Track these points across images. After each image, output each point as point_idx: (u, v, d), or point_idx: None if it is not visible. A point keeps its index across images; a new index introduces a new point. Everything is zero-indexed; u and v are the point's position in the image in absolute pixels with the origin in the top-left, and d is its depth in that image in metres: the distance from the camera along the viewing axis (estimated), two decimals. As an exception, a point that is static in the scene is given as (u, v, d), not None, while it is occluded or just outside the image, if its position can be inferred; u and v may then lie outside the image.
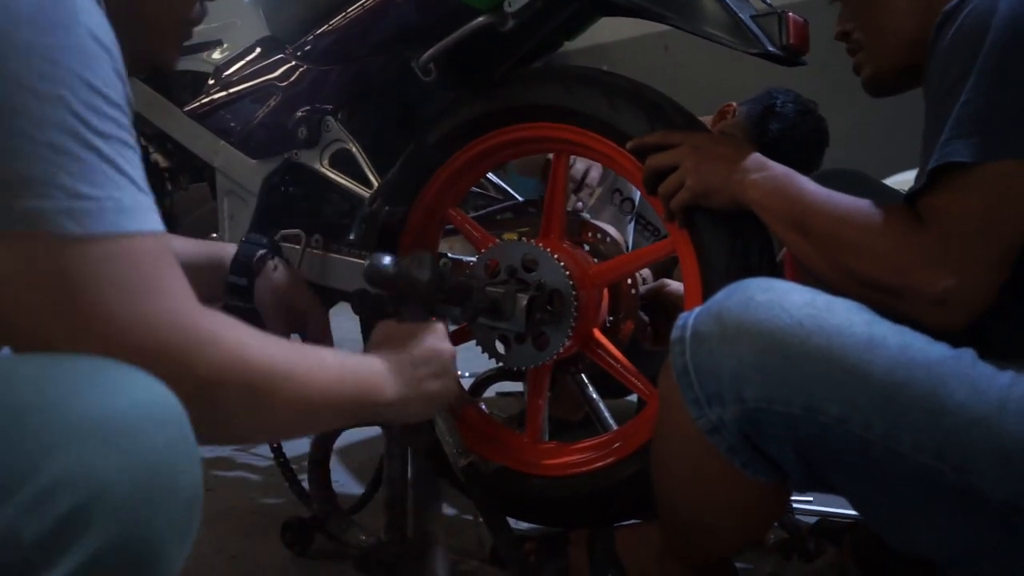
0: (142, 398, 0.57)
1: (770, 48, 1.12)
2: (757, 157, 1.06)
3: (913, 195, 0.91)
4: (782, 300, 0.86)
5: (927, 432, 0.80)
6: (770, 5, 1.26)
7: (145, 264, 0.61)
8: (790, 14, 1.14)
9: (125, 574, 0.54)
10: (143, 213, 0.61)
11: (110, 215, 0.59)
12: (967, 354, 0.84)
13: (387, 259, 1.02)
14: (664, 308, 1.46)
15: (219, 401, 0.65)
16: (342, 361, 0.83)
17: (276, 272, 1.23)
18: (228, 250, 1.23)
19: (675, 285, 1.43)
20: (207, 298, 1.41)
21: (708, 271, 1.17)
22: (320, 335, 1.24)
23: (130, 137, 0.62)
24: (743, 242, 1.15)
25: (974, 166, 0.85)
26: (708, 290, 1.17)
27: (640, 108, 1.20)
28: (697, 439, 0.90)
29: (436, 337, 1.00)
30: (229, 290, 1.22)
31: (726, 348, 0.86)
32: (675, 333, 0.91)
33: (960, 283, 0.84)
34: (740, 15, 1.12)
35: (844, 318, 0.84)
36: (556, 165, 1.35)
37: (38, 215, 0.56)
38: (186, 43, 1.53)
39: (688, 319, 0.91)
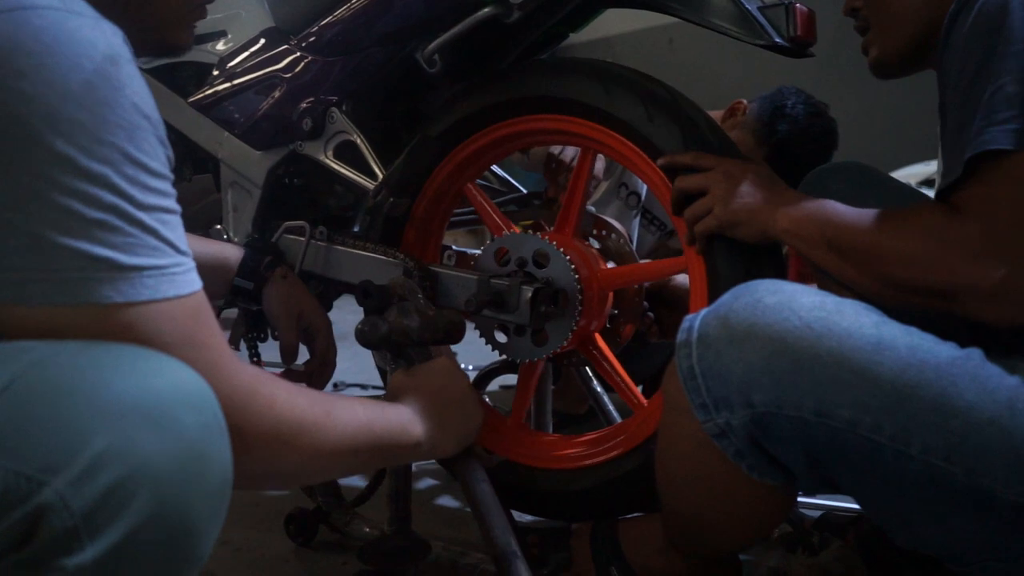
0: (178, 382, 0.60)
1: (777, 40, 1.12)
2: (787, 191, 1.05)
3: (949, 188, 0.88)
4: (791, 303, 0.84)
5: (937, 434, 0.79)
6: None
7: (184, 321, 0.65)
8: (797, 5, 1.14)
9: (164, 547, 0.57)
10: (182, 275, 0.65)
11: (150, 282, 0.63)
12: (975, 354, 0.83)
13: (376, 321, 1.07)
14: (669, 302, 1.46)
15: (250, 451, 0.69)
16: (371, 408, 0.88)
17: (285, 280, 1.26)
18: (232, 251, 1.26)
19: (681, 278, 1.42)
20: (211, 295, 1.44)
21: (718, 296, 1.16)
22: (325, 345, 1.28)
23: (172, 202, 0.66)
24: (757, 275, 1.14)
25: (1015, 152, 0.82)
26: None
27: (676, 123, 1.18)
28: (703, 442, 0.89)
29: (448, 370, 1.05)
30: (234, 292, 1.25)
31: (734, 352, 0.84)
32: (681, 336, 0.90)
33: (1012, 273, 0.81)
34: (747, 6, 1.12)
35: (853, 320, 0.83)
36: (582, 161, 1.33)
37: (83, 289, 0.60)
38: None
39: (694, 322, 0.90)
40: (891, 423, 0.80)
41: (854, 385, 0.80)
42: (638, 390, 1.33)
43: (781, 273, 1.12)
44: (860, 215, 0.95)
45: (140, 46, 0.84)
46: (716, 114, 2.05)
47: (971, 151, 0.84)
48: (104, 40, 0.63)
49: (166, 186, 0.65)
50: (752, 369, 0.83)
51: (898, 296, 0.90)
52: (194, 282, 0.67)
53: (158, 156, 0.65)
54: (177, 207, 0.67)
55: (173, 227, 0.65)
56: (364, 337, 1.07)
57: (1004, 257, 0.82)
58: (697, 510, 0.99)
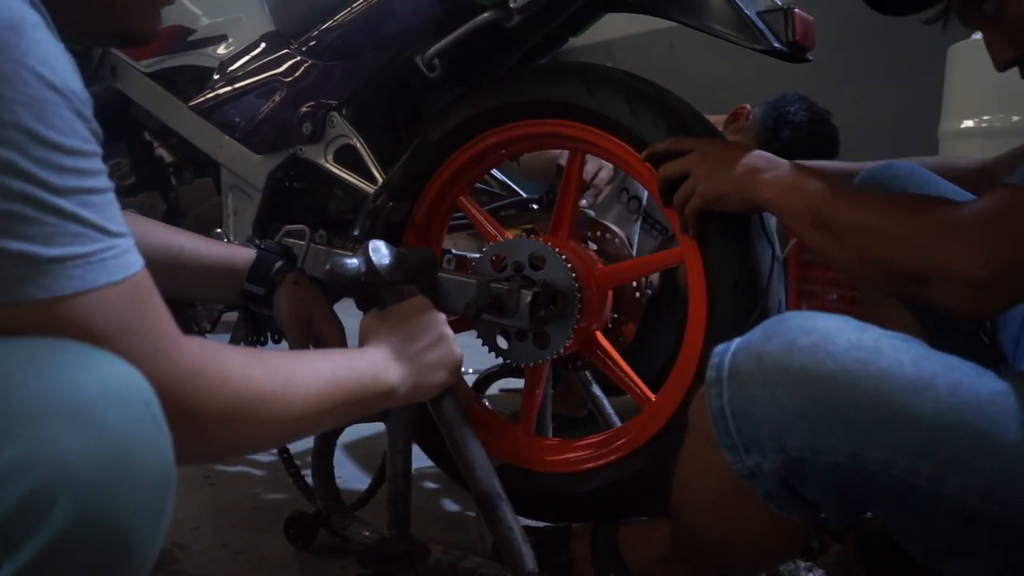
0: (106, 378, 0.57)
1: (776, 45, 1.12)
2: (766, 156, 1.06)
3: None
4: (826, 344, 0.81)
5: (976, 474, 0.77)
6: (776, 2, 1.26)
7: (120, 308, 0.61)
8: (796, 10, 1.14)
9: (96, 554, 0.54)
10: (112, 260, 0.61)
11: (77, 272, 0.58)
12: (1016, 389, 0.81)
13: (346, 261, 1.03)
14: None
15: (205, 431, 0.66)
16: (336, 362, 0.84)
17: (297, 286, 1.21)
18: (242, 254, 1.22)
19: None
20: (219, 300, 1.41)
21: (715, 285, 1.17)
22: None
23: (97, 180, 0.61)
24: (753, 258, 1.14)
25: None
26: (713, 303, 1.17)
27: (660, 115, 1.19)
28: (729, 478, 0.87)
29: (421, 309, 1.01)
30: (245, 296, 1.21)
31: (767, 395, 0.82)
32: (710, 372, 0.87)
33: (994, 275, 0.82)
34: (746, 11, 1.12)
35: (892, 359, 0.80)
36: (571, 163, 1.34)
37: (3, 289, 0.56)
38: (191, 39, 1.56)
39: (724, 358, 0.86)
40: (929, 465, 0.78)
41: (891, 428, 0.78)
42: (645, 386, 1.32)
43: (777, 256, 1.14)
44: (848, 190, 0.96)
45: (105, 35, 0.81)
46: (718, 119, 2.05)
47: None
48: (2, 5, 0.56)
49: (88, 164, 0.60)
50: (786, 414, 0.80)
51: (874, 275, 0.91)
52: (128, 265, 0.62)
53: (75, 132, 0.59)
54: (106, 184, 0.61)
55: (100, 208, 0.60)
56: (334, 278, 1.02)
57: (990, 256, 0.82)
58: (716, 536, 0.96)
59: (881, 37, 2.02)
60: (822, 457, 0.80)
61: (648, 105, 1.20)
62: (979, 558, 0.83)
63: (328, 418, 0.83)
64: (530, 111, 1.30)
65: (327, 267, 1.04)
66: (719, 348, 0.88)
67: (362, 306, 1.07)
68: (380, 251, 1.04)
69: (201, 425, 0.66)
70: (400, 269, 1.04)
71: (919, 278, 0.87)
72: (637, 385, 1.32)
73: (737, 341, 0.87)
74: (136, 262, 0.63)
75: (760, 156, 1.06)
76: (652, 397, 1.29)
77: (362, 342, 0.98)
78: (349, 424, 1.21)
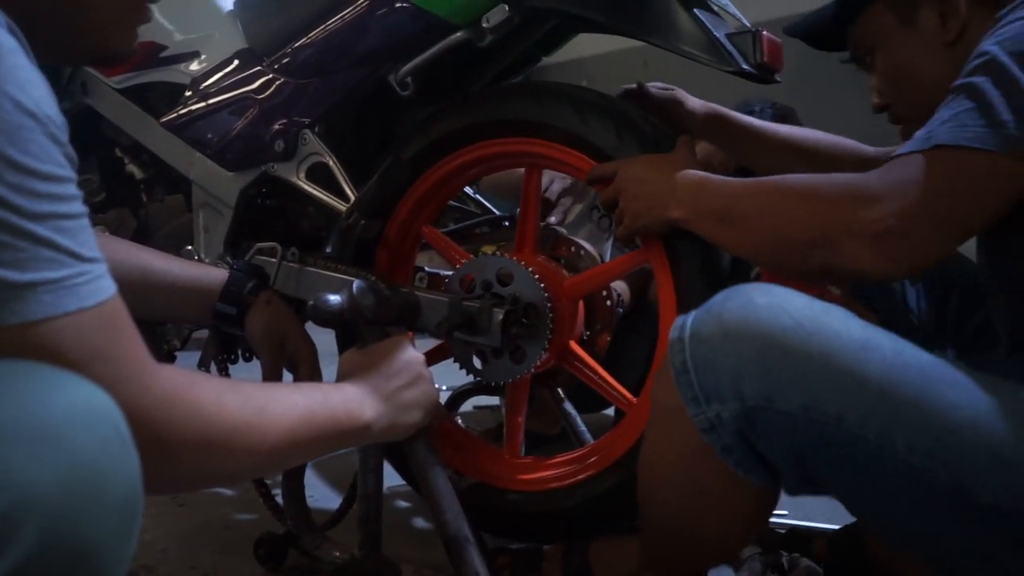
0: (74, 400, 0.56)
1: (744, 66, 1.14)
2: (685, 176, 1.07)
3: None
4: (783, 303, 0.87)
5: (920, 431, 0.81)
6: (745, 24, 1.28)
7: (92, 334, 0.61)
8: (764, 33, 1.16)
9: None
10: (85, 285, 0.61)
11: (49, 297, 0.58)
12: (952, 360, 0.86)
13: (330, 297, 1.04)
14: None
15: (176, 460, 0.66)
16: (311, 396, 0.85)
17: (269, 306, 1.21)
18: (214, 275, 1.21)
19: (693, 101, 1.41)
20: (191, 320, 1.40)
21: (682, 279, 1.18)
22: (310, 371, 1.22)
23: (72, 205, 0.61)
24: (716, 251, 1.16)
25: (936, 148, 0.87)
26: (682, 297, 1.18)
27: (609, 120, 1.21)
28: (691, 439, 0.91)
29: (401, 349, 1.02)
30: (217, 317, 1.20)
31: (727, 346, 0.87)
32: (673, 334, 0.92)
33: (900, 223, 0.85)
34: (715, 33, 1.14)
35: (842, 322, 0.86)
36: (528, 179, 1.35)
37: None
38: (163, 55, 1.56)
39: (686, 320, 0.92)
40: (876, 419, 0.82)
41: (841, 382, 0.83)
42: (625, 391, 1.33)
43: None
44: (751, 182, 1.00)
45: (81, 55, 0.81)
46: None
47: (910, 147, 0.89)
48: None
49: (62, 189, 0.60)
50: (744, 363, 0.85)
51: (788, 256, 0.94)
52: (101, 290, 0.62)
53: (50, 157, 0.59)
54: (80, 209, 0.61)
55: (73, 233, 0.60)
56: (316, 313, 1.03)
57: (894, 208, 0.85)
58: (678, 511, 0.98)
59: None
60: (777, 406, 0.84)
61: (597, 112, 1.22)
62: (932, 530, 0.85)
63: (301, 451, 0.83)
64: (489, 131, 1.31)
65: (310, 301, 1.05)
66: (680, 317, 0.93)
67: (340, 342, 1.08)
68: (363, 290, 1.05)
69: (172, 453, 0.66)
70: (383, 309, 1.06)
71: (828, 242, 0.89)
72: (617, 391, 1.32)
73: (697, 309, 0.92)
74: (108, 287, 0.63)
75: (675, 175, 1.08)
76: (634, 400, 1.29)
77: (340, 378, 0.99)
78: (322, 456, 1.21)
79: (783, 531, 1.40)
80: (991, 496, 0.80)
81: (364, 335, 1.06)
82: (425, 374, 1.03)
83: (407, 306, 1.09)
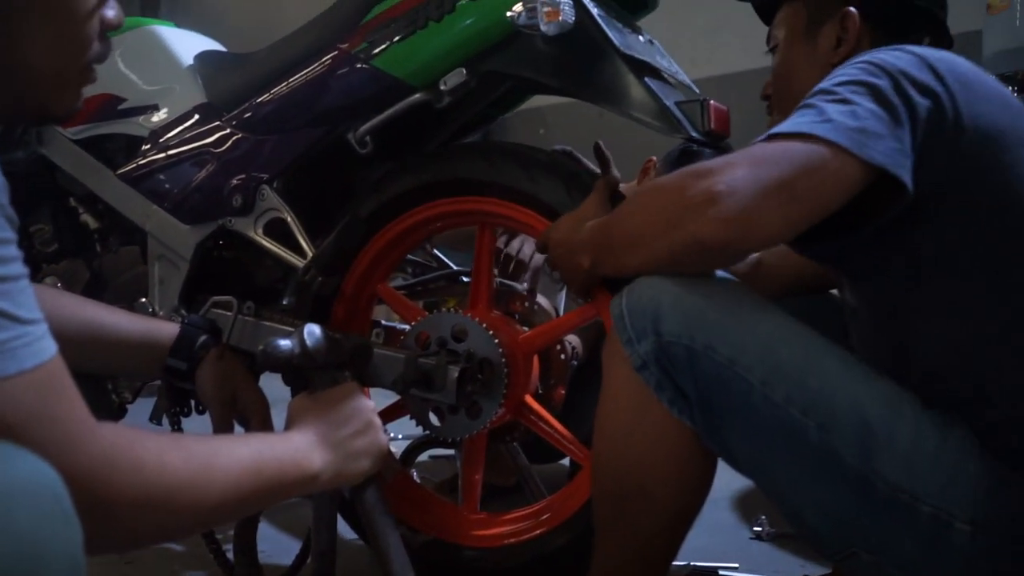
0: (14, 473, 0.56)
1: (693, 134, 1.18)
2: (585, 231, 1.10)
3: None
4: (706, 274, 1.00)
5: (798, 387, 0.91)
6: (695, 91, 1.33)
7: (29, 397, 0.60)
8: (711, 101, 1.20)
9: None
10: (23, 348, 0.60)
11: None
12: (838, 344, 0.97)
13: (280, 342, 1.04)
14: None
15: (119, 520, 0.66)
16: (257, 448, 0.84)
17: (221, 361, 1.20)
18: (165, 329, 1.20)
19: None
20: (142, 375, 1.37)
21: None
22: (261, 426, 1.21)
23: (9, 267, 0.61)
24: None
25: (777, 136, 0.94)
26: None
27: (559, 179, 1.25)
28: (632, 389, 0.98)
29: (351, 396, 1.01)
30: (168, 372, 1.19)
31: (651, 291, 0.97)
32: (614, 300, 1.01)
33: (728, 187, 0.89)
34: (665, 102, 1.18)
35: (747, 289, 1.00)
36: (480, 237, 1.38)
37: None
38: (121, 107, 1.56)
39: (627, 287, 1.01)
40: (761, 367, 0.92)
41: (737, 330, 0.94)
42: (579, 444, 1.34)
43: None
44: (622, 207, 1.05)
45: (24, 113, 0.80)
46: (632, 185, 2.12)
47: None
48: None
49: (1, 251, 0.60)
50: (663, 303, 0.96)
51: (650, 253, 0.97)
52: (40, 352, 0.61)
53: None
54: (19, 271, 0.61)
55: (12, 296, 0.60)
56: (266, 359, 1.03)
57: (729, 180, 0.90)
58: (628, 466, 1.01)
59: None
60: (684, 341, 0.94)
61: (545, 170, 1.26)
62: (812, 498, 0.93)
63: (248, 504, 0.82)
64: (443, 190, 1.33)
65: (260, 347, 1.05)
66: None
67: (293, 388, 1.07)
68: (314, 335, 1.05)
69: (115, 514, 0.65)
70: (333, 354, 1.05)
71: (675, 222, 0.93)
72: (574, 444, 1.34)
73: None
74: (48, 349, 0.63)
75: (580, 228, 1.10)
76: (590, 453, 1.30)
77: (289, 425, 0.98)
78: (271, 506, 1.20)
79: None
80: (856, 461, 0.89)
81: (314, 381, 1.05)
82: (375, 421, 1.03)
83: (358, 350, 1.09)
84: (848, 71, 0.97)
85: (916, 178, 0.92)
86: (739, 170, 0.90)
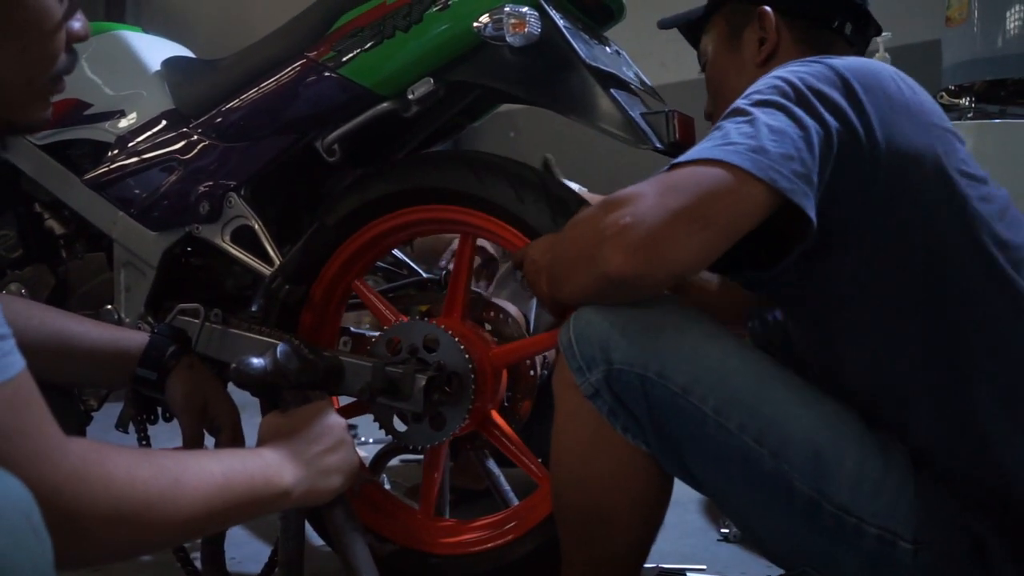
0: None
1: (658, 145, 1.19)
2: (546, 256, 1.09)
3: None
4: (654, 297, 0.99)
5: (750, 415, 0.92)
6: (662, 101, 1.34)
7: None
8: (676, 112, 1.22)
9: None
10: None
11: None
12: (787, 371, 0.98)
13: (253, 360, 1.04)
14: None
15: (88, 535, 0.66)
16: (228, 464, 0.84)
17: (191, 371, 1.19)
18: (135, 339, 1.19)
19: None
20: (110, 385, 1.36)
21: None
22: (232, 436, 1.21)
23: None
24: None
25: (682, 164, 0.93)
26: None
27: (544, 200, 1.25)
28: (585, 417, 0.98)
29: (323, 414, 1.02)
30: (137, 381, 1.19)
31: (599, 318, 0.96)
32: (561, 330, 1.00)
33: (636, 218, 0.88)
34: (631, 113, 1.19)
35: (696, 314, 0.99)
36: (462, 247, 1.38)
37: None
38: (87, 113, 1.55)
39: (573, 314, 1.00)
40: (714, 397, 0.92)
41: (690, 356, 0.94)
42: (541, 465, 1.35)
43: None
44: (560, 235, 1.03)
45: None
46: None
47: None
48: None
49: None
50: (612, 330, 0.95)
51: (566, 286, 0.98)
52: (8, 367, 0.62)
53: None
54: None
55: None
56: (239, 377, 1.04)
57: (634, 205, 0.89)
58: (587, 494, 1.01)
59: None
60: (636, 370, 0.94)
61: (532, 190, 1.26)
62: (765, 520, 0.95)
63: (218, 520, 0.82)
64: (421, 197, 1.33)
65: (232, 364, 1.05)
66: None
67: (262, 404, 1.07)
68: (288, 354, 1.05)
69: (84, 529, 0.65)
70: (306, 373, 1.05)
71: (588, 255, 0.92)
72: (532, 463, 1.35)
73: None
74: (15, 364, 0.63)
75: (535, 258, 1.09)
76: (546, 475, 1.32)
77: (261, 442, 0.98)
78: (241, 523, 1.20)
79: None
80: (809, 489, 0.90)
81: (286, 398, 1.06)
82: (347, 439, 1.03)
83: (331, 371, 1.10)
84: (761, 87, 0.97)
85: (824, 205, 0.91)
86: (646, 200, 0.89)
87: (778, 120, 0.91)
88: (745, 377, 0.93)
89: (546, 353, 1.73)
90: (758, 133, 0.90)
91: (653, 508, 1.03)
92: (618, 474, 0.99)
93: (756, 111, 0.93)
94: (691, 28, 1.31)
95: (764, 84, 0.97)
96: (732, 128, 0.92)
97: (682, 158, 0.93)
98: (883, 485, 0.90)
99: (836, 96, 0.93)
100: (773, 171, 0.87)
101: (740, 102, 0.96)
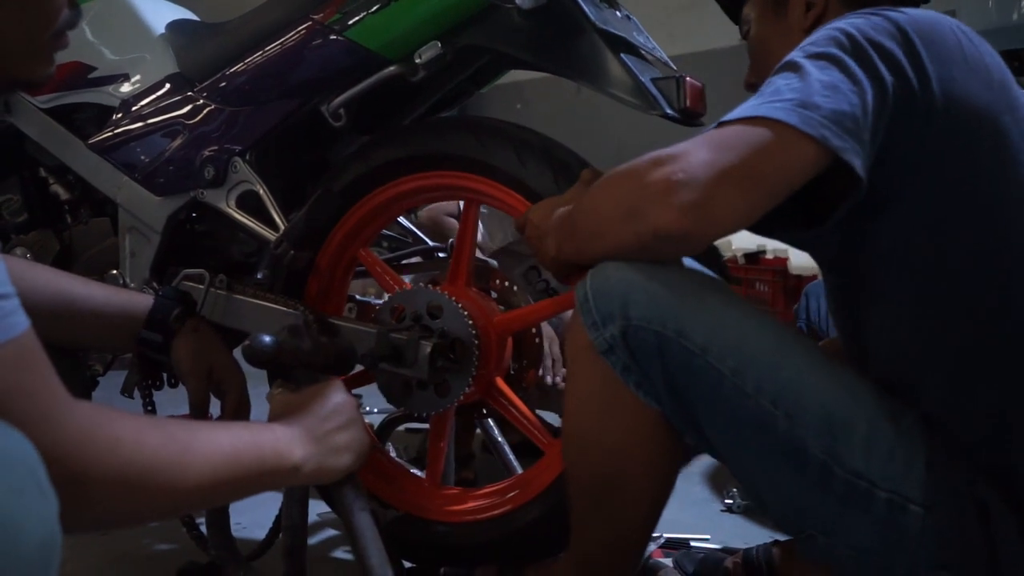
0: None
1: (668, 111, 1.18)
2: (554, 214, 1.08)
3: None
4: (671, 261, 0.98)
5: (768, 377, 0.91)
6: (672, 67, 1.32)
7: (4, 374, 0.60)
8: (688, 78, 1.20)
9: None
10: None
11: None
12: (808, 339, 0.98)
13: (266, 338, 1.04)
14: None
15: (94, 498, 0.65)
16: (238, 435, 0.83)
17: (196, 334, 1.19)
18: (140, 301, 1.19)
19: None
20: (115, 348, 1.36)
21: None
22: (237, 399, 1.21)
23: None
24: None
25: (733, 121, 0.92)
26: None
27: (547, 165, 1.24)
28: (599, 377, 0.97)
29: (334, 392, 1.01)
30: (142, 344, 1.18)
31: (618, 273, 0.95)
32: (579, 285, 0.98)
33: (686, 175, 0.88)
34: (641, 78, 1.17)
35: (717, 279, 1.00)
36: (466, 213, 1.37)
37: None
38: (91, 76, 1.53)
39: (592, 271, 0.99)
40: (732, 358, 0.92)
41: (709, 319, 0.93)
42: (544, 432, 1.34)
43: None
44: (586, 194, 1.02)
45: None
46: None
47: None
48: None
49: None
50: (632, 286, 0.94)
51: (605, 242, 0.96)
52: (11, 327, 0.61)
53: None
54: None
55: None
56: (251, 354, 1.03)
57: (685, 165, 0.88)
58: (601, 456, 1.01)
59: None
60: (654, 327, 0.93)
61: (534, 155, 1.24)
62: (776, 483, 0.94)
63: (225, 491, 0.82)
64: (427, 163, 1.32)
65: (246, 341, 1.05)
66: None
67: (270, 376, 1.07)
68: (301, 334, 1.05)
69: (89, 491, 0.65)
70: (318, 355, 1.05)
71: (635, 210, 0.91)
72: (538, 430, 1.35)
73: None
74: (20, 323, 0.62)
75: (539, 221, 1.09)
76: (552, 441, 1.32)
77: (272, 419, 0.97)
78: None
79: (700, 554, 1.44)
80: (819, 450, 0.90)
81: (297, 376, 1.05)
82: (358, 418, 1.02)
83: (342, 355, 1.09)
84: (817, 39, 0.94)
85: (876, 164, 0.90)
86: (695, 156, 0.88)
87: (831, 75, 0.89)
88: (764, 340, 0.93)
89: (548, 334, 1.73)
90: (809, 88, 0.88)
91: (666, 471, 1.03)
92: (631, 435, 0.99)
93: (809, 64, 0.91)
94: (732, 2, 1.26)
95: (821, 35, 0.94)
96: (782, 83, 0.91)
97: (731, 115, 0.91)
98: (895, 450, 0.89)
99: (894, 48, 0.91)
100: (824, 128, 0.86)
101: (794, 54, 0.94)
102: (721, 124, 0.91)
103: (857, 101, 0.88)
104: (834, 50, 0.92)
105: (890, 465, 0.89)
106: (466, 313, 1.26)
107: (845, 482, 0.89)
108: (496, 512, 1.32)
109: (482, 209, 1.42)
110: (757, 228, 0.99)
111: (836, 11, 1.11)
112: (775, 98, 0.89)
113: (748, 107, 0.91)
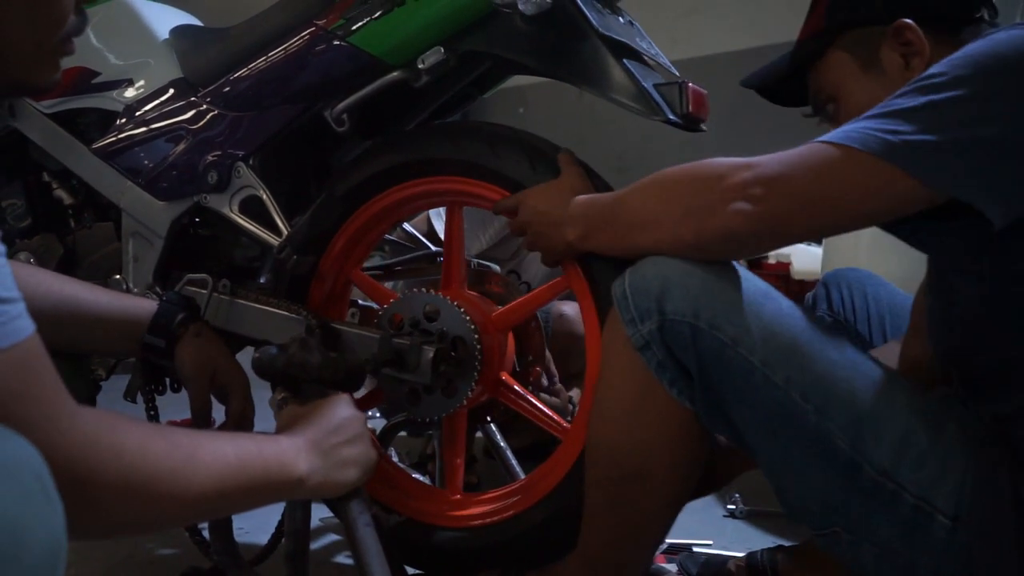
0: None
1: (671, 117, 1.18)
2: (576, 201, 1.10)
3: None
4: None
5: (799, 371, 0.93)
6: (675, 73, 1.33)
7: (8, 376, 0.60)
8: (690, 84, 1.20)
9: None
10: (1, 328, 0.60)
11: None
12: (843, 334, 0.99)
13: (273, 350, 1.04)
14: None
15: (95, 503, 0.65)
16: (243, 446, 0.83)
17: (199, 338, 1.19)
18: (143, 306, 1.19)
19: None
20: (119, 353, 1.36)
21: (602, 301, 1.19)
22: (241, 404, 1.21)
23: None
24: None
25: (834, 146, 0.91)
26: (604, 319, 1.20)
27: (522, 153, 1.24)
28: (634, 374, 0.99)
29: (342, 406, 1.01)
30: (145, 349, 1.19)
31: (655, 269, 0.98)
32: (617, 281, 1.02)
33: (762, 186, 0.91)
34: (644, 84, 1.18)
35: (752, 277, 1.00)
36: (450, 216, 1.37)
37: None
38: (95, 81, 1.54)
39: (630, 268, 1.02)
40: (764, 350, 0.94)
41: (743, 312, 0.95)
42: (560, 418, 1.34)
43: None
44: (639, 182, 1.04)
45: (2, 85, 0.79)
46: None
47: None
48: None
49: None
50: (668, 282, 0.97)
51: (680, 232, 0.98)
52: (17, 331, 0.61)
53: None
54: None
55: None
56: (260, 366, 1.04)
57: (759, 175, 0.91)
58: (627, 448, 1.02)
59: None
60: (688, 319, 0.96)
61: (508, 145, 1.25)
62: (803, 476, 0.95)
63: (230, 501, 0.81)
64: (414, 171, 1.32)
65: (255, 353, 1.05)
66: None
67: (272, 385, 1.07)
68: (310, 348, 1.06)
69: (92, 498, 0.65)
70: (328, 370, 1.05)
71: (705, 207, 0.94)
72: (552, 419, 1.34)
73: None
74: (25, 328, 0.62)
75: (566, 201, 1.11)
76: (567, 427, 1.31)
77: (278, 431, 0.97)
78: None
79: (703, 557, 1.44)
80: (847, 446, 0.91)
81: (305, 389, 1.06)
82: (365, 433, 1.02)
83: (351, 373, 1.09)
84: (935, 71, 0.90)
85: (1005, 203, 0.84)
86: (777, 170, 0.90)
87: (946, 110, 0.86)
88: (796, 333, 0.94)
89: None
90: (916, 124, 0.86)
91: (688, 473, 1.04)
92: (660, 433, 1.00)
93: (922, 99, 0.88)
94: (786, 78, 1.19)
95: (941, 67, 0.90)
96: (884, 122, 0.88)
97: (832, 137, 0.91)
98: (928, 457, 0.89)
99: (1012, 79, 0.87)
100: (934, 170, 0.85)
101: (909, 86, 0.91)
102: (820, 143, 0.92)
103: (978, 136, 0.86)
104: (950, 80, 0.88)
105: (921, 472, 0.89)
106: (463, 311, 1.27)
107: (873, 481, 0.90)
108: (501, 516, 1.32)
109: None
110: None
111: (941, 53, 0.99)
112: (882, 128, 0.88)
113: (852, 135, 0.89)
